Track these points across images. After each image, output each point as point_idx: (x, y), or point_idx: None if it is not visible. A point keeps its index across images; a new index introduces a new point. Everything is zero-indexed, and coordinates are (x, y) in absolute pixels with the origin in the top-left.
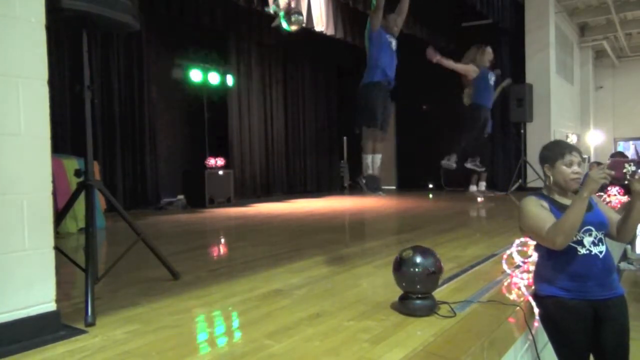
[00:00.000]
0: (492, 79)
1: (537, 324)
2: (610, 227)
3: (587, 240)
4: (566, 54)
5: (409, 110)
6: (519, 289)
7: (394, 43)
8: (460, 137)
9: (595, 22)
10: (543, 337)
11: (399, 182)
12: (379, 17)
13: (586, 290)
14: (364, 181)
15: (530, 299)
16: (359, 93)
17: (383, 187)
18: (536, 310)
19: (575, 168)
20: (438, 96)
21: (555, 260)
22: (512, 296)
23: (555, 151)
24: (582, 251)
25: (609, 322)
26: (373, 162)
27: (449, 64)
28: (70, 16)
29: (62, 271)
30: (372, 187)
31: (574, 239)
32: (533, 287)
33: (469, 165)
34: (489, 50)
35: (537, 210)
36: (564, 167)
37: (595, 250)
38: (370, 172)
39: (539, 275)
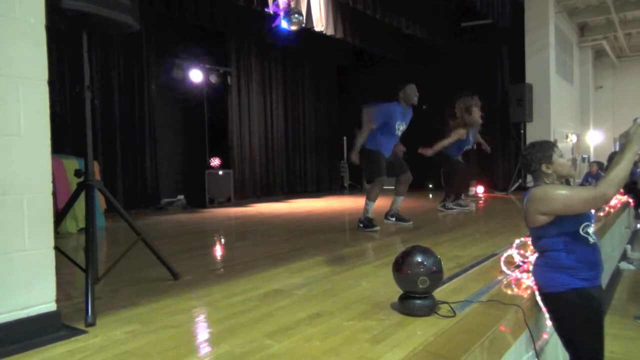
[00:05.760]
0: (471, 135)
1: (549, 322)
2: None
3: (591, 230)
4: (566, 53)
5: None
6: (523, 288)
7: (402, 128)
8: (446, 181)
9: (595, 22)
10: (542, 336)
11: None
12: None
13: (597, 278)
14: (361, 225)
15: (539, 299)
16: (362, 152)
17: (385, 189)
18: (544, 309)
19: (565, 156)
20: (438, 96)
21: (577, 252)
22: (512, 296)
23: (547, 149)
24: (592, 240)
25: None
26: (394, 202)
27: (442, 144)
28: (70, 16)
29: (62, 271)
30: (369, 227)
31: (584, 230)
32: (541, 289)
33: (455, 207)
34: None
35: (566, 187)
36: (561, 159)
37: (596, 239)
38: (368, 215)
39: (557, 271)
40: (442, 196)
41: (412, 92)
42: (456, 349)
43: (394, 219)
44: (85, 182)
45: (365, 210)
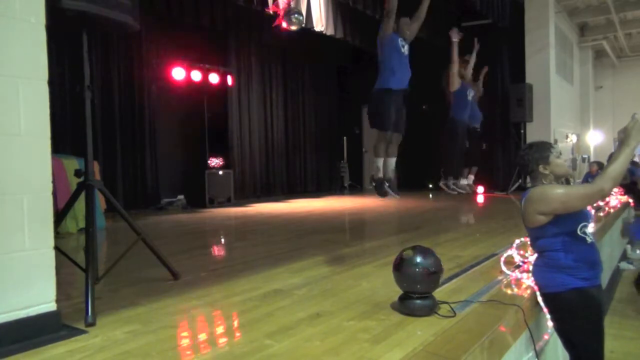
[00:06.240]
0: (470, 94)
1: (550, 323)
2: None
3: (588, 230)
4: (566, 53)
5: (408, 109)
6: (523, 288)
7: (406, 47)
8: (445, 154)
9: (595, 22)
10: (542, 336)
11: (399, 182)
12: (391, 22)
13: (597, 277)
14: (373, 184)
15: (540, 300)
16: (371, 97)
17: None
18: (545, 309)
19: (563, 156)
20: (438, 96)
21: (576, 252)
22: (512, 296)
23: (544, 150)
24: (589, 240)
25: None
26: (386, 165)
27: (455, 56)
28: (70, 16)
29: (62, 271)
30: (381, 191)
31: (581, 230)
32: (541, 289)
33: (451, 186)
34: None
35: (563, 186)
36: (558, 160)
37: (593, 239)
38: (380, 175)
39: (556, 271)
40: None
41: (404, 24)
42: (456, 349)
43: (387, 184)
44: (85, 182)
45: (376, 168)
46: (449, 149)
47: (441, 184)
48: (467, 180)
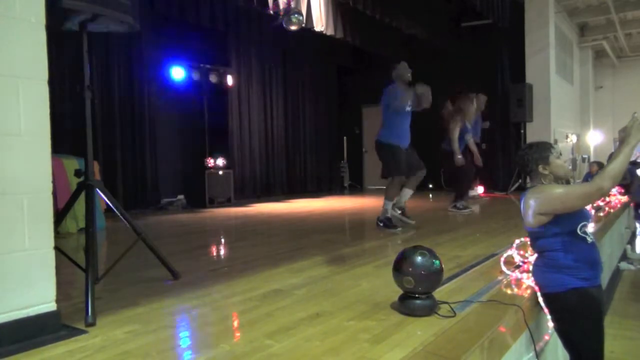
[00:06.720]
0: (470, 138)
1: (550, 324)
2: None
3: (588, 230)
4: (566, 53)
5: None
6: (523, 288)
7: (410, 104)
8: (455, 184)
9: (595, 22)
10: (542, 336)
11: None
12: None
13: (597, 277)
14: (381, 224)
15: (541, 300)
16: (378, 148)
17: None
18: (545, 310)
19: (563, 157)
20: (438, 96)
21: (575, 252)
22: (512, 296)
23: (544, 150)
24: (590, 240)
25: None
26: (402, 194)
27: (454, 142)
28: (70, 16)
29: (62, 271)
30: (390, 227)
31: (581, 230)
32: (541, 289)
33: (461, 207)
34: (482, 97)
35: (562, 185)
36: (558, 160)
37: (594, 239)
38: (388, 215)
39: (556, 271)
40: (452, 197)
41: (404, 69)
42: (456, 349)
43: (400, 212)
44: (85, 182)
45: (385, 210)
46: (458, 180)
47: (450, 208)
48: (474, 192)
